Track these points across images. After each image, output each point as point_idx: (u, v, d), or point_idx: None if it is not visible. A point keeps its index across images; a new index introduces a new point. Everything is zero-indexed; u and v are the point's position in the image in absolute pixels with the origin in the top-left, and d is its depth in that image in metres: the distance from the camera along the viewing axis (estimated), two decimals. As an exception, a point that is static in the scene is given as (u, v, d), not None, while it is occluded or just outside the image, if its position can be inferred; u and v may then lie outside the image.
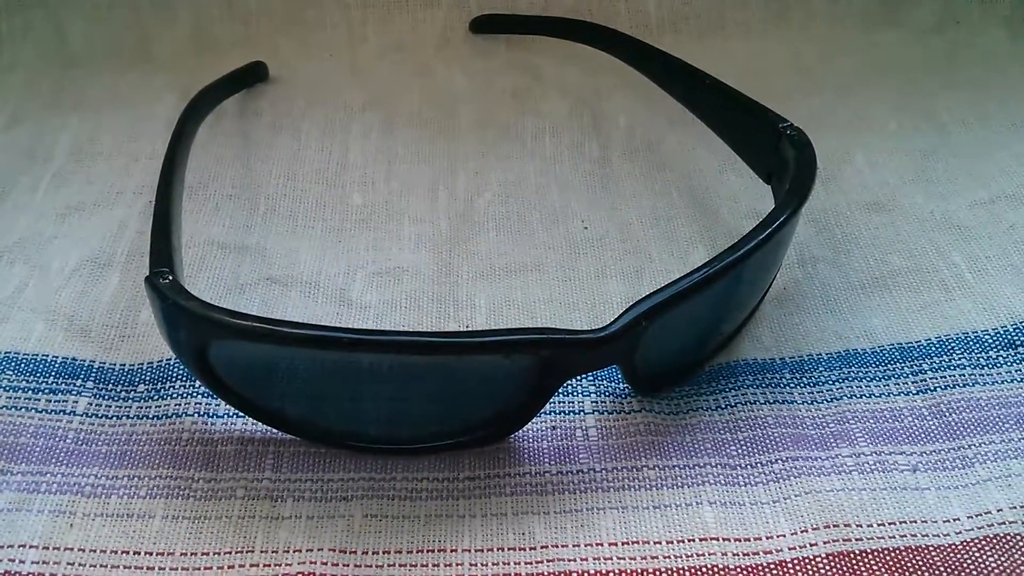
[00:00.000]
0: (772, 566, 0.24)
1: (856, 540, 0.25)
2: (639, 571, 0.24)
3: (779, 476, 0.26)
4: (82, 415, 0.28)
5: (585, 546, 0.25)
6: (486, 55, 0.46)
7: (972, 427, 0.28)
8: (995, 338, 0.30)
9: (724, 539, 0.25)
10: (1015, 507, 0.25)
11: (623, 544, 0.25)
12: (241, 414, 0.28)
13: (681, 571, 0.24)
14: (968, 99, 0.42)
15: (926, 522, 0.25)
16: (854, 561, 0.24)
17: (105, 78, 0.44)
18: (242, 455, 0.27)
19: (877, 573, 0.24)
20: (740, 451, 0.27)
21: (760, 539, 0.25)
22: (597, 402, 0.29)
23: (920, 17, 0.47)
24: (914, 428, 0.28)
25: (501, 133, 0.41)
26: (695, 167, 0.39)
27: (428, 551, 0.25)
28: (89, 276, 0.33)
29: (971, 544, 0.25)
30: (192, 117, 0.37)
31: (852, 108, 0.41)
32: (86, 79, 0.44)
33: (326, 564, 0.25)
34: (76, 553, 0.25)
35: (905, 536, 0.25)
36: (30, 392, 0.29)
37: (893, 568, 0.24)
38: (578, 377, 0.29)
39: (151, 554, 0.25)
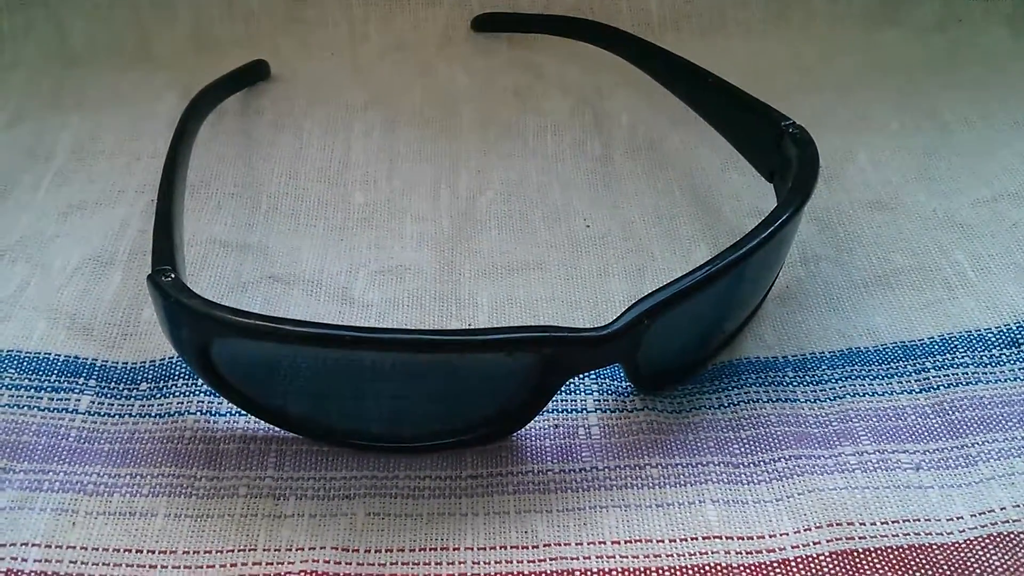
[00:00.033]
0: (775, 565, 0.24)
1: (859, 539, 0.25)
2: (642, 569, 0.24)
3: (782, 474, 0.26)
4: (84, 413, 0.28)
5: (588, 544, 0.25)
6: (488, 53, 0.46)
7: (975, 425, 0.28)
8: (998, 336, 0.30)
9: (727, 537, 0.25)
10: (1018, 505, 0.25)
11: (626, 542, 0.25)
12: (243, 412, 0.28)
13: (684, 569, 0.24)
14: (970, 97, 0.41)
15: (929, 520, 0.25)
16: (857, 560, 0.24)
17: (106, 77, 0.44)
18: (244, 453, 0.27)
19: (880, 572, 0.24)
20: (743, 449, 0.27)
21: (763, 537, 0.25)
22: (600, 400, 0.29)
23: (921, 16, 0.46)
24: (917, 426, 0.28)
25: (503, 131, 0.41)
26: (697, 165, 0.39)
27: (431, 549, 0.25)
28: (91, 274, 0.33)
29: (974, 543, 0.25)
30: (194, 115, 0.37)
31: (854, 107, 0.41)
32: (87, 78, 0.44)
33: (328, 562, 0.25)
34: (78, 551, 0.25)
35: (908, 535, 0.25)
36: (32, 390, 0.29)
37: (896, 566, 0.24)
38: (581, 376, 0.29)
39: (153, 552, 0.25)
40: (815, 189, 0.29)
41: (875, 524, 0.25)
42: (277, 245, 0.35)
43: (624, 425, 0.28)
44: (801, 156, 0.30)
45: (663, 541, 0.25)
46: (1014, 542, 0.24)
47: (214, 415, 0.28)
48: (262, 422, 0.28)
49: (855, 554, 0.24)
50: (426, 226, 0.36)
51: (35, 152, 0.40)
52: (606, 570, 0.24)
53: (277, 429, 0.28)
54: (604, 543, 0.25)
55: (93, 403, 0.29)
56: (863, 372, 0.29)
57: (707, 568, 0.24)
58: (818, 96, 0.42)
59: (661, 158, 0.39)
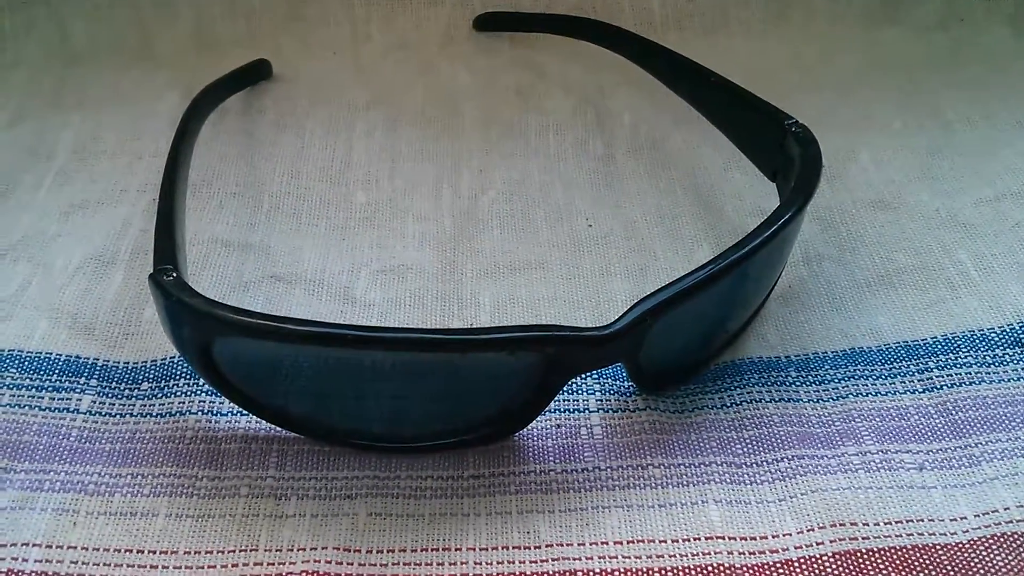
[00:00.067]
0: (778, 565, 0.24)
1: (863, 539, 0.25)
2: (644, 570, 0.24)
3: (785, 474, 0.26)
4: (86, 413, 0.28)
5: (590, 545, 0.25)
6: (490, 53, 0.46)
7: (978, 425, 0.27)
8: (1001, 336, 0.30)
9: (730, 538, 0.25)
10: (1022, 505, 0.25)
11: (628, 543, 0.25)
12: (245, 412, 0.28)
13: (686, 570, 0.24)
14: (973, 97, 0.41)
15: (933, 521, 0.25)
16: (861, 560, 0.24)
17: (108, 76, 0.44)
18: (246, 453, 0.27)
19: (884, 572, 0.24)
20: (746, 449, 0.27)
21: (766, 538, 0.25)
22: (602, 400, 0.29)
23: (923, 15, 0.46)
24: (920, 426, 0.28)
25: (505, 131, 0.41)
26: (700, 165, 0.39)
27: (432, 550, 0.25)
28: (93, 274, 0.33)
29: (978, 543, 0.25)
30: (195, 115, 0.37)
31: (856, 106, 0.41)
32: (88, 77, 0.44)
33: (330, 563, 0.25)
34: (79, 551, 0.25)
35: (912, 535, 0.25)
36: (34, 390, 0.29)
37: (900, 567, 0.24)
38: (583, 375, 0.29)
39: (155, 552, 0.25)
40: (818, 188, 0.29)
41: (878, 524, 0.25)
42: (279, 244, 0.35)
43: (626, 425, 0.28)
44: (804, 155, 0.30)
45: (666, 541, 0.25)
46: (1018, 542, 0.24)
47: (215, 415, 0.28)
48: (263, 422, 0.28)
49: (858, 554, 0.24)
50: (428, 225, 0.36)
51: (37, 151, 0.40)
52: (608, 570, 0.24)
53: (279, 429, 0.28)
54: (607, 543, 0.25)
55: (94, 403, 0.29)
56: (866, 372, 0.29)
57: (710, 568, 0.24)
58: (820, 95, 0.42)
59: (663, 157, 0.39)
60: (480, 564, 0.25)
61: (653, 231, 0.35)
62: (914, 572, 0.24)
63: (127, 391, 0.29)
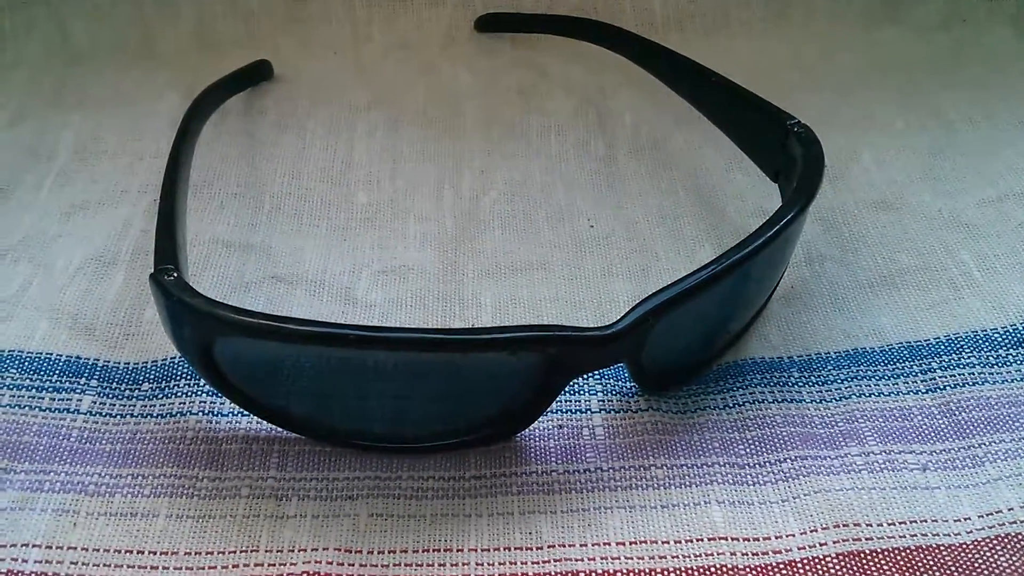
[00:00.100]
0: (781, 566, 0.24)
1: (866, 540, 0.25)
2: (647, 571, 0.24)
3: (788, 475, 0.26)
4: (86, 413, 0.28)
5: (592, 545, 0.25)
6: (491, 53, 0.46)
7: (982, 426, 0.27)
8: (1004, 336, 0.30)
9: (732, 539, 0.25)
10: (1026, 506, 0.25)
11: (631, 544, 0.25)
12: (246, 413, 0.28)
13: (689, 571, 0.24)
14: (975, 97, 0.41)
15: (936, 521, 0.25)
16: (864, 561, 0.24)
17: (108, 76, 0.44)
18: (247, 454, 0.27)
19: (887, 573, 0.24)
20: (748, 450, 0.27)
21: (769, 539, 0.25)
22: (604, 401, 0.29)
23: (925, 15, 0.46)
24: (924, 427, 0.28)
25: (506, 131, 0.41)
26: (701, 165, 0.39)
27: (434, 550, 0.25)
28: (93, 274, 0.33)
29: (982, 543, 0.24)
30: (196, 115, 0.37)
31: (857, 106, 0.41)
32: (89, 76, 0.44)
33: (331, 563, 0.24)
34: (79, 552, 0.25)
35: (915, 535, 0.25)
36: (34, 390, 0.29)
37: (903, 568, 0.24)
38: (585, 376, 0.29)
39: (155, 553, 0.25)
40: (820, 189, 0.29)
41: (882, 525, 0.25)
42: (280, 245, 0.35)
43: (628, 426, 0.28)
44: (806, 156, 0.30)
45: (668, 542, 0.25)
46: (1022, 543, 0.24)
47: (216, 415, 0.28)
48: (264, 422, 0.28)
49: (862, 555, 0.24)
50: (429, 226, 0.36)
51: (37, 151, 0.39)
52: (611, 571, 0.24)
53: (279, 429, 0.28)
54: (609, 544, 0.25)
55: (95, 403, 0.29)
56: (869, 372, 0.29)
57: (712, 569, 0.24)
58: (821, 95, 0.42)
59: (665, 158, 0.39)
60: (482, 565, 0.25)
61: (655, 232, 0.35)
62: (918, 573, 0.24)
63: (128, 392, 0.29)
